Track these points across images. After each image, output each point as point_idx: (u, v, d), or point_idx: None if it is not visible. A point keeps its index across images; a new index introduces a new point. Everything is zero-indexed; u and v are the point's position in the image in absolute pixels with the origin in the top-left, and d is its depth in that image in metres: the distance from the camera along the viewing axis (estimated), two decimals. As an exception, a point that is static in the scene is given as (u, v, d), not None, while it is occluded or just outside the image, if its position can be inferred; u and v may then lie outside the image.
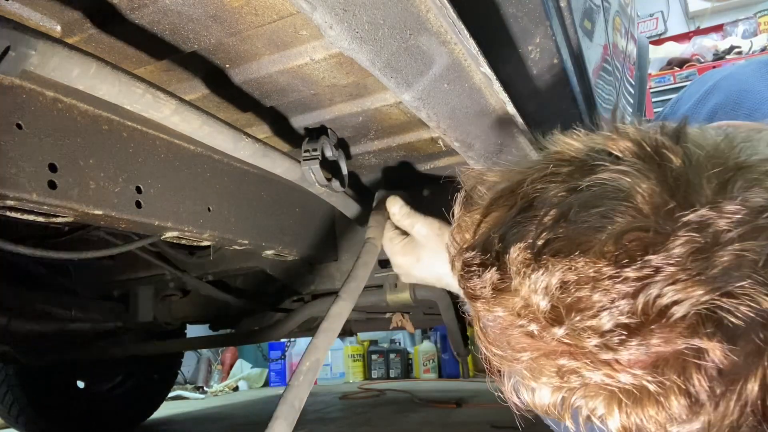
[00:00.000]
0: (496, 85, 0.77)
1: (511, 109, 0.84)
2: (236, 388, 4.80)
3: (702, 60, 5.30)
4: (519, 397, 0.49)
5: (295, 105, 0.98)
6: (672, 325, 0.37)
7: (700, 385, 0.37)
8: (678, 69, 5.21)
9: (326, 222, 1.44)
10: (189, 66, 0.84)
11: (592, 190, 0.41)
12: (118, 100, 0.68)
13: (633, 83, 1.91)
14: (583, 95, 1.04)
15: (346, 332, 2.39)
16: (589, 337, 0.38)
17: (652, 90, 4.97)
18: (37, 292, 1.71)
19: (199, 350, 4.89)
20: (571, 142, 0.48)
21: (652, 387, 0.39)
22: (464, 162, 0.98)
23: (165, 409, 2.98)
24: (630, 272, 0.37)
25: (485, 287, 0.45)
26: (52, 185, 0.77)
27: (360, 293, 0.92)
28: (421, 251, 0.99)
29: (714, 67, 4.76)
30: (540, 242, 0.41)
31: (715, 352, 0.36)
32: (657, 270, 0.36)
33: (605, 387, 0.41)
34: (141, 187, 0.91)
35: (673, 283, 0.36)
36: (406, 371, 4.85)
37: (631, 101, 1.83)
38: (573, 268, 0.39)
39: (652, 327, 0.37)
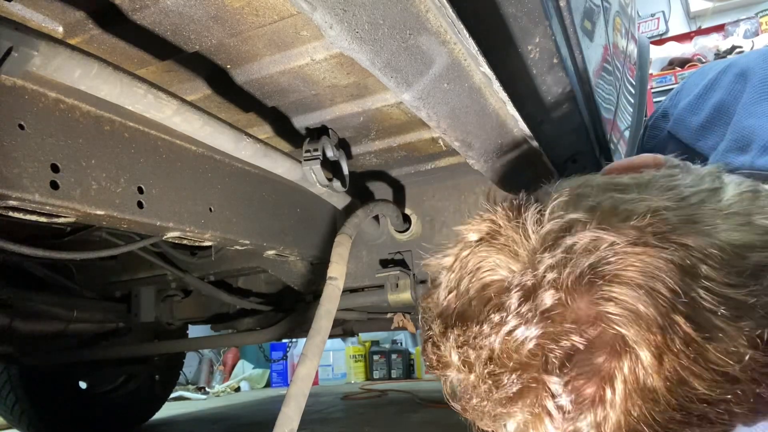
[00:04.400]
0: (496, 85, 0.77)
1: (510, 108, 0.84)
2: (238, 389, 4.81)
3: (703, 60, 5.30)
4: None
5: (296, 105, 0.98)
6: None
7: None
8: (679, 69, 5.22)
9: (328, 222, 1.44)
10: (190, 67, 0.84)
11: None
12: (120, 100, 0.68)
13: (634, 83, 1.91)
14: (583, 95, 1.04)
15: (348, 333, 2.38)
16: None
17: (653, 90, 4.96)
18: (39, 292, 1.72)
19: (200, 351, 4.89)
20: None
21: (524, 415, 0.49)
22: (465, 162, 0.98)
23: (167, 410, 2.98)
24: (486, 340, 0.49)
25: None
26: (54, 185, 0.77)
27: (325, 344, 0.89)
28: None
29: (715, 67, 4.74)
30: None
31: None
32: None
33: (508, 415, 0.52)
34: (143, 187, 0.91)
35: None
36: (408, 372, 4.84)
37: (632, 101, 1.83)
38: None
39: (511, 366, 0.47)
